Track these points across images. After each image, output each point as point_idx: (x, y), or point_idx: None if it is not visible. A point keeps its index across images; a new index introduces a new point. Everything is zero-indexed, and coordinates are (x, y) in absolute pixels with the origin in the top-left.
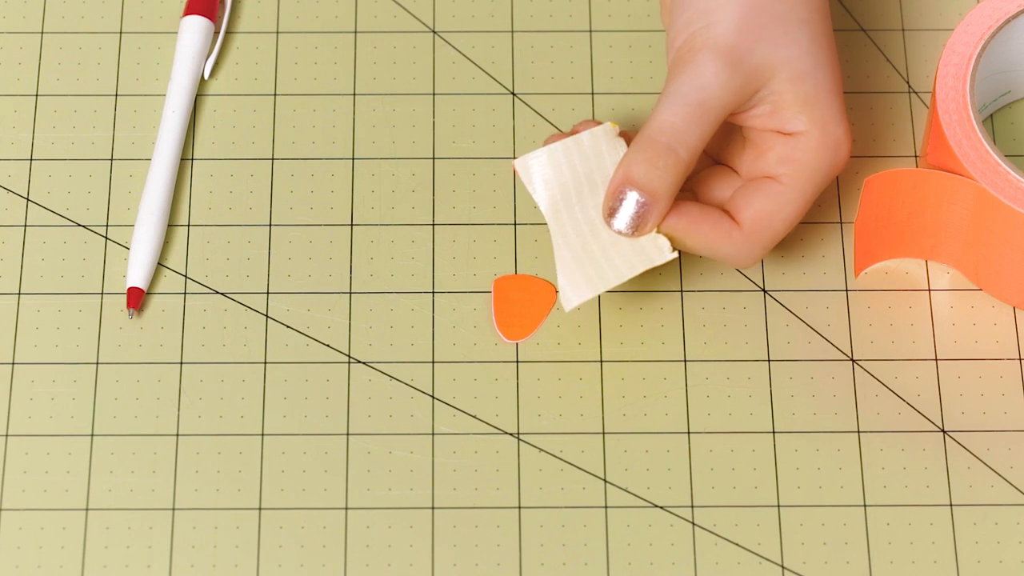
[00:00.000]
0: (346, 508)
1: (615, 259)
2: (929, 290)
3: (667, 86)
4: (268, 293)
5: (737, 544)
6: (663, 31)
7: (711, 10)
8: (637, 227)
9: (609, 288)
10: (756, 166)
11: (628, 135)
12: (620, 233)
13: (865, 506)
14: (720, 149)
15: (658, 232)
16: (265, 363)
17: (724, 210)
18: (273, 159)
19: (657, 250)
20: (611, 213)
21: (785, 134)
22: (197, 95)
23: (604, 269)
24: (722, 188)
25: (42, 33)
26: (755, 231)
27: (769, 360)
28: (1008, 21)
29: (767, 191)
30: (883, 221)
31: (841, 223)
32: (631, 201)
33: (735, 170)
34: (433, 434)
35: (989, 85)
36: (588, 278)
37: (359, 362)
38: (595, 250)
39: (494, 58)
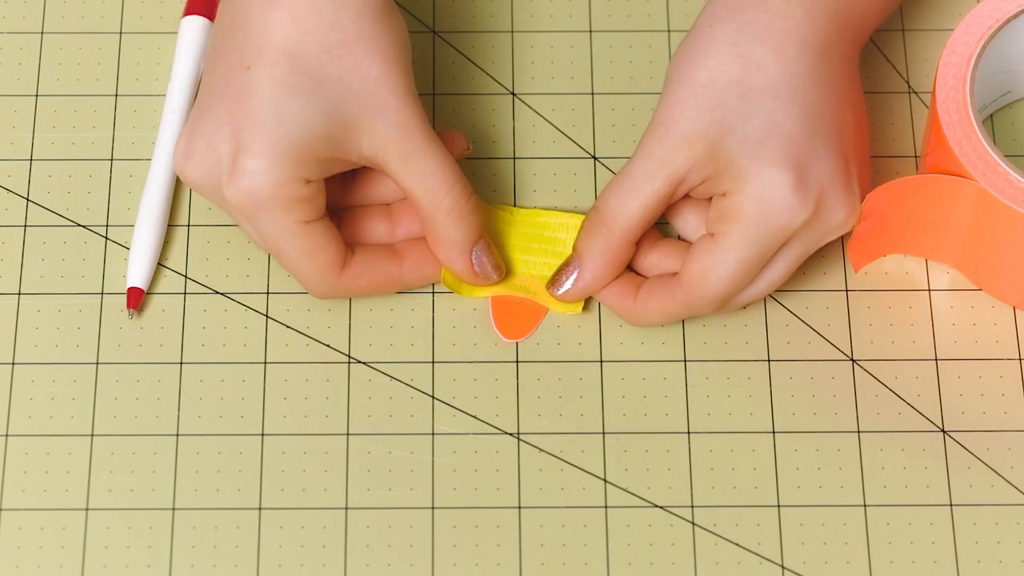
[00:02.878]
0: (346, 508)
1: None
2: (929, 290)
3: (634, 158)
4: (268, 293)
5: (737, 544)
6: (663, 31)
7: (683, 98)
8: (568, 293)
9: None
10: (709, 225)
11: None
12: (558, 297)
13: (865, 506)
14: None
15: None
16: (265, 363)
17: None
18: None
19: None
20: (555, 284)
21: (721, 193)
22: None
23: None
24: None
25: (42, 33)
26: (692, 288)
27: (769, 360)
28: (1008, 21)
29: (703, 247)
30: (883, 225)
31: None
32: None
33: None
34: (433, 434)
35: (989, 85)
36: None
37: (359, 362)
38: None
39: (494, 58)
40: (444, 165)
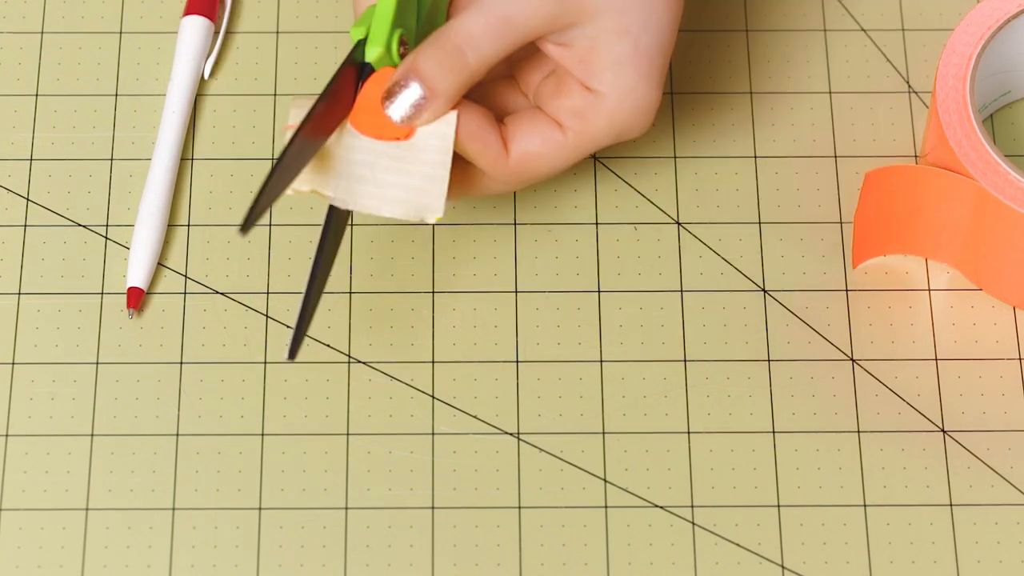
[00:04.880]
0: (346, 508)
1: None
2: (929, 290)
3: None
4: (268, 293)
5: (737, 544)
6: None
7: None
8: (410, 118)
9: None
10: (550, 104)
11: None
12: (393, 120)
13: (865, 506)
14: (522, 67)
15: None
16: (265, 363)
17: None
18: (273, 159)
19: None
20: (389, 96)
21: (587, 88)
22: (197, 95)
23: (428, 175)
24: (511, 102)
25: (42, 33)
26: (521, 168)
27: (769, 360)
28: (1008, 21)
29: (546, 135)
30: (883, 217)
31: (841, 223)
32: (413, 91)
33: (525, 92)
34: (433, 434)
35: (989, 85)
36: (429, 191)
37: (359, 362)
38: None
39: None
40: None
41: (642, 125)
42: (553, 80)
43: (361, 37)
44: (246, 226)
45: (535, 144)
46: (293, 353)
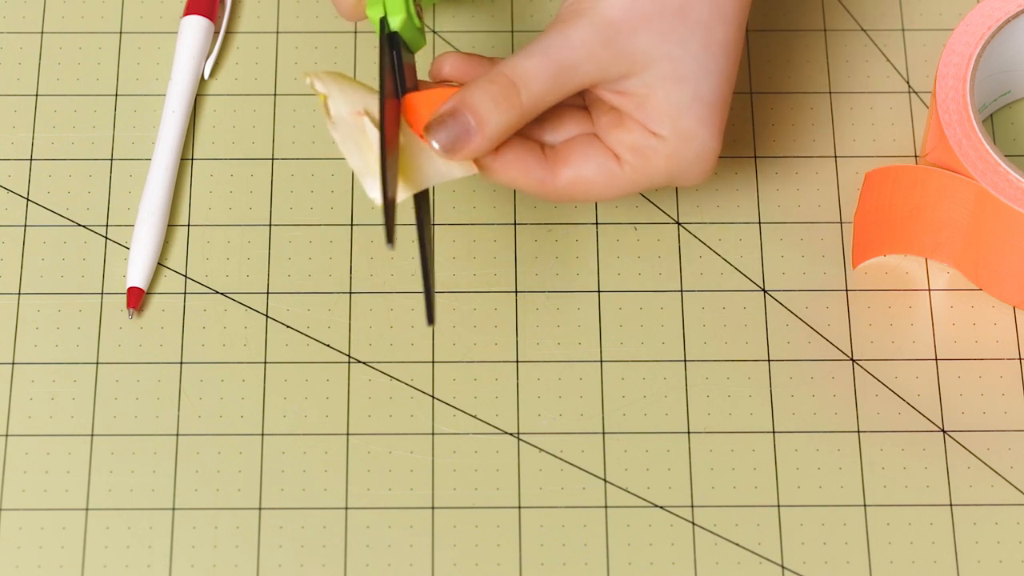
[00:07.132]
0: (346, 508)
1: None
2: (929, 290)
3: (537, 38)
4: (268, 293)
5: (737, 544)
6: None
7: None
8: (452, 150)
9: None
10: (610, 135)
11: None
12: (434, 150)
13: (865, 506)
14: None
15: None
16: (265, 363)
17: (548, 146)
18: (273, 159)
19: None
20: (431, 129)
21: (648, 130)
22: (197, 95)
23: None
24: (568, 129)
25: (42, 33)
26: (571, 190)
27: (769, 360)
28: (1008, 21)
29: (600, 163)
30: (883, 217)
31: (841, 223)
32: (461, 122)
33: (590, 112)
34: (433, 434)
35: (989, 85)
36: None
37: (359, 362)
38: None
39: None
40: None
41: (700, 173)
42: (615, 114)
43: (381, 15)
44: (390, 239)
45: (588, 170)
46: (431, 318)
